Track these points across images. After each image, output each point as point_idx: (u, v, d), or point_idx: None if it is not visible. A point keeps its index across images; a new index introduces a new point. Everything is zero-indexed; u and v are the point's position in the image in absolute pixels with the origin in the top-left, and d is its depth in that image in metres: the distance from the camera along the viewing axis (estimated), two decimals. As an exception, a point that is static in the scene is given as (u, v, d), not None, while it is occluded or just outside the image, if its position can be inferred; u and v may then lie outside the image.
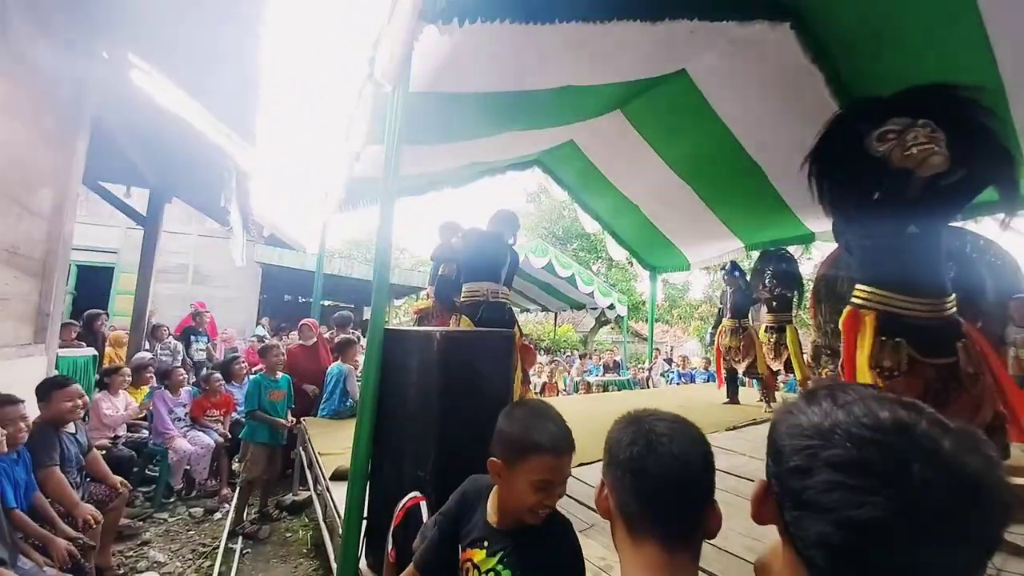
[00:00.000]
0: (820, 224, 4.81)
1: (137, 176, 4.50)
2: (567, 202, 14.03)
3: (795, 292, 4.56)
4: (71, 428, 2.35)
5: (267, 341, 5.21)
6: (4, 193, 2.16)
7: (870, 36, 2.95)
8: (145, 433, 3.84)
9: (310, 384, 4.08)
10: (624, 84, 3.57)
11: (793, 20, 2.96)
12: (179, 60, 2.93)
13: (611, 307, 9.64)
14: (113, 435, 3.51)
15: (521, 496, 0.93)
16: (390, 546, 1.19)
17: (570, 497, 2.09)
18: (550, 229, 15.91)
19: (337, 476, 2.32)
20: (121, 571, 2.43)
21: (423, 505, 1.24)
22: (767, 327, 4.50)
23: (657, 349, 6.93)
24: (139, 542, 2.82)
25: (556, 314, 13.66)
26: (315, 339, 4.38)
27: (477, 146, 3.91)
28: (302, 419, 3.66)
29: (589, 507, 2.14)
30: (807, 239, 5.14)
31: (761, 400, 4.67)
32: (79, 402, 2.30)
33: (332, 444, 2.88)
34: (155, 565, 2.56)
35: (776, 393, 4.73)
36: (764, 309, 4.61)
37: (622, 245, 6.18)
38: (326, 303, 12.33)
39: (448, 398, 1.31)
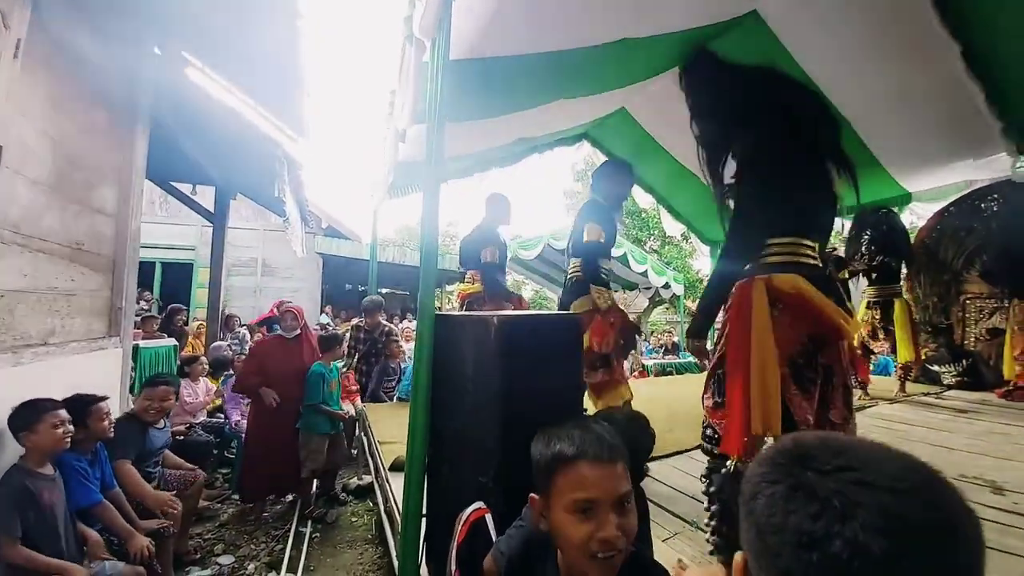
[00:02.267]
0: (919, 182, 4.15)
1: (202, 174, 4.70)
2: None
3: (902, 259, 3.92)
4: (160, 424, 2.47)
5: (330, 330, 5.34)
6: (62, 190, 2.24)
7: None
8: (221, 417, 4.07)
9: (283, 386, 3.21)
10: (685, 34, 3.17)
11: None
12: (223, 52, 2.93)
13: (666, 286, 9.13)
14: (193, 420, 3.74)
15: (569, 536, 0.73)
16: (454, 566, 1.06)
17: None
18: (599, 207, 15.29)
19: (396, 467, 2.27)
20: (198, 555, 2.55)
21: (488, 519, 1.10)
22: (869, 302, 3.90)
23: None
24: (217, 523, 2.97)
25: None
26: (298, 331, 3.45)
27: (524, 119, 3.68)
28: (363, 404, 3.70)
29: (667, 509, 1.94)
30: (903, 200, 4.46)
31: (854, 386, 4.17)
32: (159, 404, 2.40)
33: (392, 432, 2.86)
34: (231, 548, 2.67)
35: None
36: (864, 282, 4.00)
37: (678, 219, 5.74)
38: (383, 291, 12.68)
39: (510, 394, 1.15)
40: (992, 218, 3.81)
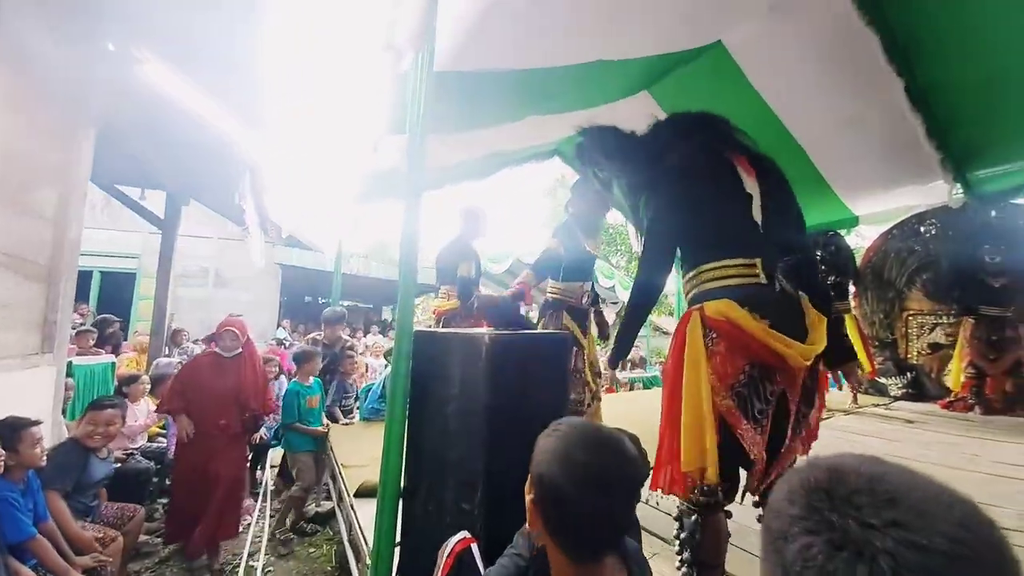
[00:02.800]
0: (866, 205, 4.46)
1: (152, 178, 4.41)
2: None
3: (850, 278, 4.18)
4: (102, 452, 2.26)
5: (287, 344, 5.08)
6: (-1, 193, 2.02)
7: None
8: (163, 442, 3.74)
9: (214, 411, 2.83)
10: (655, 59, 3.31)
11: (850, -24, 2.66)
12: (184, 50, 2.78)
13: (634, 301, 9.32)
14: (132, 445, 3.42)
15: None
16: (438, 602, 0.98)
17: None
18: (567, 223, 15.54)
19: (363, 493, 2.14)
20: (137, 596, 2.30)
21: (475, 549, 1.03)
22: None
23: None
24: (157, 560, 2.70)
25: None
26: (239, 350, 3.01)
27: (498, 133, 3.69)
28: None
29: (645, 528, 1.91)
30: (851, 223, 4.76)
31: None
32: (105, 429, 2.24)
33: (357, 455, 2.71)
34: (174, 586, 2.42)
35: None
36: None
37: (647, 236, 5.90)
38: (345, 303, 12.30)
39: (499, 416, 1.10)
40: (931, 240, 4.13)
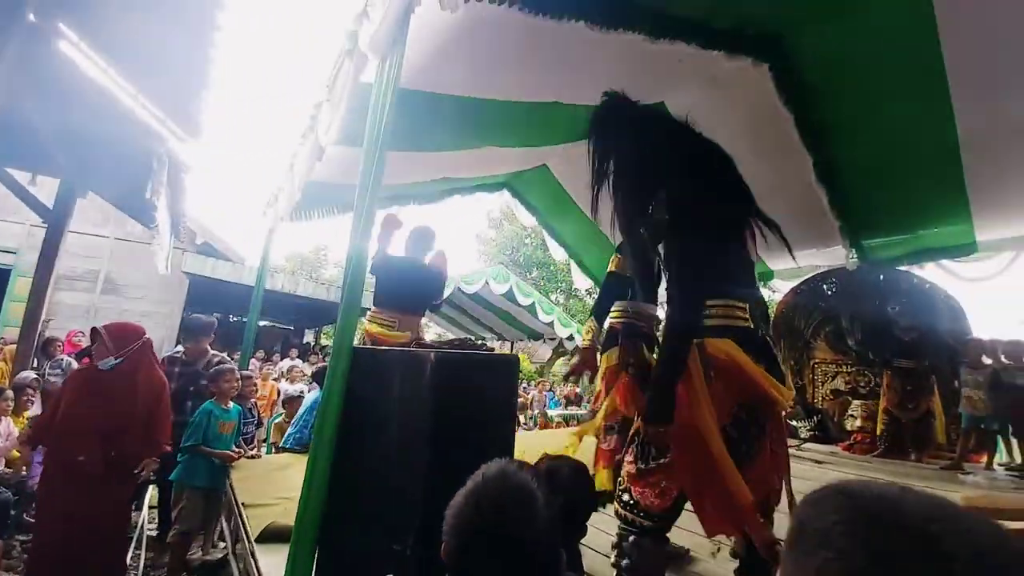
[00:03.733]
0: (779, 262, 4.96)
1: (48, 161, 3.82)
2: (529, 230, 14.08)
3: (765, 325, 4.57)
4: None
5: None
6: None
7: (838, 80, 3.09)
8: (25, 470, 3.10)
9: (87, 440, 2.20)
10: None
11: (773, 61, 3.03)
12: (115, 33, 2.52)
13: (570, 338, 9.51)
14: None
15: None
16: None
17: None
18: (511, 256, 15.80)
19: (267, 537, 1.86)
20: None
21: (401, 599, 0.89)
22: None
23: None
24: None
25: (512, 344, 13.39)
26: (113, 360, 2.30)
27: (451, 159, 3.68)
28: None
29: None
30: (767, 276, 5.27)
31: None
32: None
33: (261, 492, 2.38)
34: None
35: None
36: None
37: (588, 275, 6.10)
38: (262, 323, 11.33)
39: (442, 442, 0.99)
40: (832, 297, 4.66)
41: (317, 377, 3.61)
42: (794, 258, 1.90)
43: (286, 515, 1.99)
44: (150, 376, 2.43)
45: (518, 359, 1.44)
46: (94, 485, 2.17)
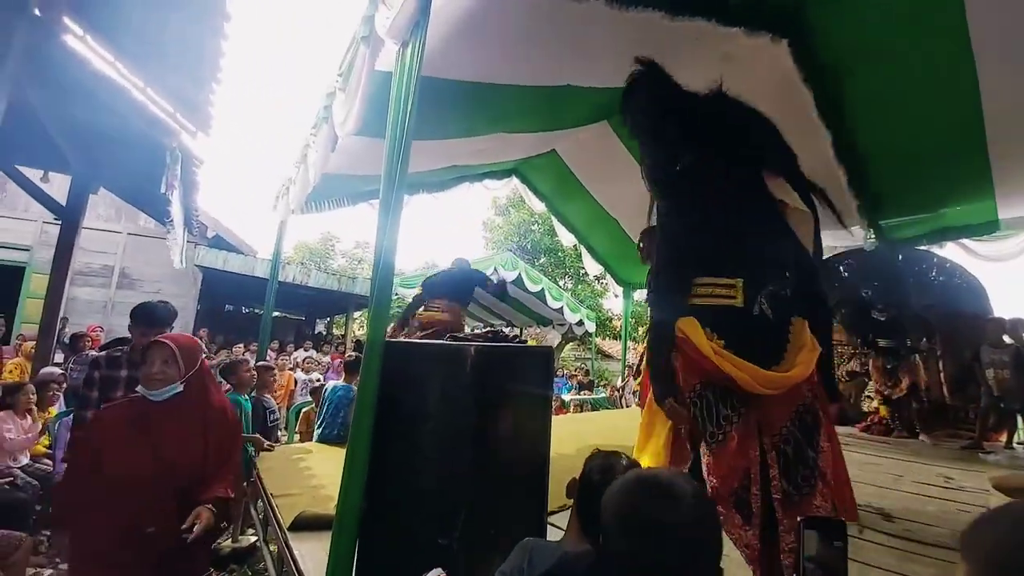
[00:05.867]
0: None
1: (58, 158, 3.83)
2: (537, 216, 13.98)
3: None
4: None
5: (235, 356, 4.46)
6: None
7: (860, 56, 3.00)
8: (48, 464, 3.18)
9: (163, 507, 1.43)
10: (616, 90, 3.45)
11: (793, 37, 2.94)
12: (121, 25, 2.49)
13: (579, 323, 9.51)
14: (13, 463, 2.89)
15: None
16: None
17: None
18: (519, 243, 15.73)
19: (299, 525, 1.89)
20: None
21: (449, 587, 0.91)
22: None
23: (629, 367, 6.79)
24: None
25: (521, 330, 13.43)
26: (178, 387, 1.55)
27: (461, 147, 3.64)
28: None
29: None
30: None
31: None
32: None
33: (290, 482, 2.42)
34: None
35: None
36: None
37: (597, 259, 6.07)
38: (275, 314, 11.43)
39: (485, 435, 0.99)
40: (848, 278, 4.60)
41: (350, 368, 3.66)
42: (844, 225, 1.81)
43: (315, 504, 2.03)
44: (223, 405, 1.70)
45: (552, 350, 1.44)
46: (171, 565, 1.40)
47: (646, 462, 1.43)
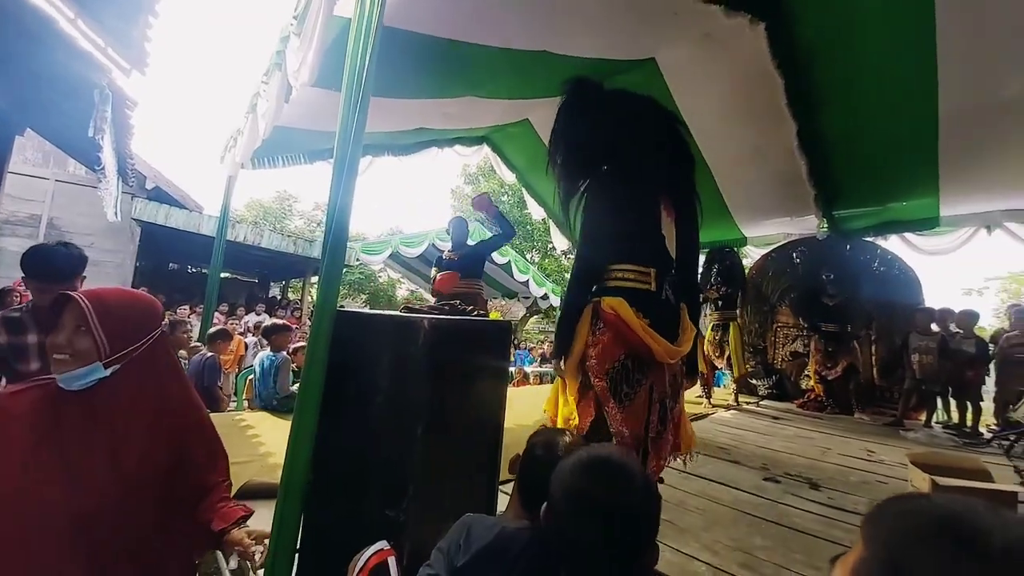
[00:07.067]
0: (753, 229, 5.06)
1: (-22, 95, 3.37)
2: (507, 187, 13.76)
3: (740, 289, 4.74)
4: None
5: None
6: None
7: (831, 47, 3.04)
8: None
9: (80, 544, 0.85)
10: (594, 62, 3.36)
11: (770, 21, 2.92)
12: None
13: (544, 297, 9.59)
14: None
15: None
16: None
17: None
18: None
19: (245, 494, 1.83)
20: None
21: (392, 563, 0.89)
22: (713, 325, 4.63)
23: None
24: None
25: (487, 301, 13.40)
26: (112, 368, 0.90)
27: (429, 108, 3.46)
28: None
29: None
30: (741, 243, 5.37)
31: (700, 396, 4.73)
32: None
33: (236, 450, 2.33)
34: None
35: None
36: (711, 308, 4.71)
37: (564, 233, 6.06)
38: (225, 275, 10.86)
39: (437, 410, 0.96)
40: (799, 266, 4.82)
41: (267, 334, 3.54)
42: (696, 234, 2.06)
43: (262, 473, 1.97)
44: (185, 395, 1.03)
45: (511, 325, 1.42)
46: None
47: (561, 422, 1.72)
